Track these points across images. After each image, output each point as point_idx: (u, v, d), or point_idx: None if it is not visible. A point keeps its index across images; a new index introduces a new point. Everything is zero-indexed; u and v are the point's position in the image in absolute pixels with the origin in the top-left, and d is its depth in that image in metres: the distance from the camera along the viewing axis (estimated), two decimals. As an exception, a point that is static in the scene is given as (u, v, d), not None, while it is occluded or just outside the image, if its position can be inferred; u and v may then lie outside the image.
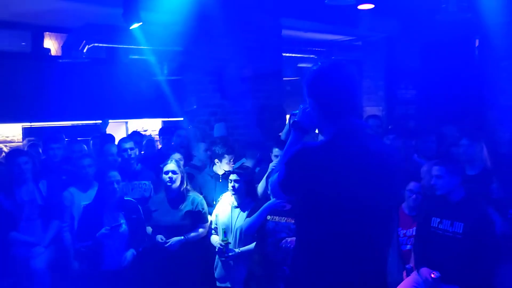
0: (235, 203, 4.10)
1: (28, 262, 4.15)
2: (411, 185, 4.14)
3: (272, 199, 3.63)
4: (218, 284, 4.11)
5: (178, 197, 4.17)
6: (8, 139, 7.42)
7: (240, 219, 4.02)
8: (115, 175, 4.01)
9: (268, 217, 3.67)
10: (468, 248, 3.44)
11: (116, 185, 3.98)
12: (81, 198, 4.36)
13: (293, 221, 3.55)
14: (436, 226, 3.65)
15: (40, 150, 5.55)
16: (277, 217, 3.65)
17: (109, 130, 7.13)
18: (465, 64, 7.72)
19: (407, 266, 3.96)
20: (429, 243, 3.67)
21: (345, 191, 1.79)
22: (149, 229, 4.20)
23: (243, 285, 3.84)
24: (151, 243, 4.14)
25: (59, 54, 7.45)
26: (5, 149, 6.95)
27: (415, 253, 3.85)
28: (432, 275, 3.52)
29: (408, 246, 4.10)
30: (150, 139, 6.49)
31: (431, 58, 8.25)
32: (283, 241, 3.51)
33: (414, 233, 4.02)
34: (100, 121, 6.49)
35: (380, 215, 1.83)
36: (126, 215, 4.00)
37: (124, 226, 3.93)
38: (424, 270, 3.64)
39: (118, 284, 3.92)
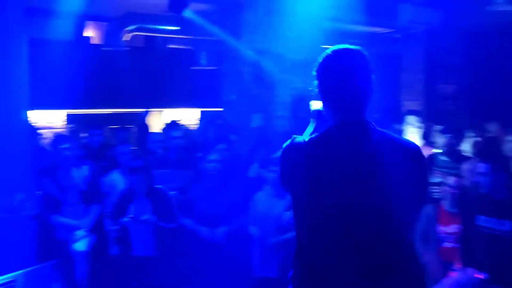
0: (273, 192, 4.10)
1: (70, 245, 4.26)
2: (450, 179, 4.04)
3: None
4: (255, 274, 4.12)
5: (220, 186, 4.22)
6: (52, 125, 7.63)
7: (277, 207, 4.01)
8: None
9: None
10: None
11: (145, 173, 4.04)
12: (122, 185, 4.43)
13: None
14: (482, 224, 3.55)
15: (82, 136, 5.67)
16: None
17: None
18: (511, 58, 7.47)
19: (454, 267, 3.87)
20: (474, 242, 3.57)
21: (329, 191, 1.67)
22: (188, 221, 4.22)
23: (280, 274, 3.85)
24: (186, 231, 4.18)
25: (100, 42, 7.59)
26: (48, 135, 7.13)
27: (460, 252, 3.75)
28: (479, 276, 3.43)
29: (449, 244, 4.00)
30: (186, 128, 6.54)
31: (474, 51, 8.01)
32: None
33: (455, 230, 3.93)
34: (140, 110, 6.60)
35: (377, 220, 1.66)
36: (154, 202, 4.05)
37: (147, 215, 3.99)
38: (469, 270, 3.54)
39: (148, 270, 4.01)
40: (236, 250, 4.18)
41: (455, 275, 3.72)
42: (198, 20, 5.76)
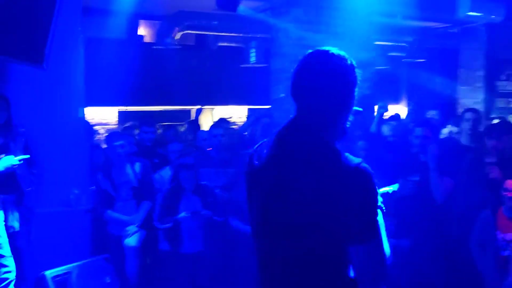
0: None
1: (121, 240, 4.36)
2: (508, 183, 3.80)
3: None
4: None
5: None
6: (104, 121, 7.87)
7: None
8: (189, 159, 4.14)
9: None
10: None
11: (191, 170, 4.09)
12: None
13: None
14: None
15: (135, 133, 5.79)
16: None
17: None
18: None
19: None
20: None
21: (261, 209, 1.61)
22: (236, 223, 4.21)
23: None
24: (231, 229, 4.19)
25: (152, 41, 7.74)
26: (102, 131, 7.37)
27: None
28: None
29: (508, 252, 3.78)
30: (232, 126, 6.55)
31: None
32: None
33: (516, 238, 3.71)
34: (191, 107, 6.68)
35: (305, 244, 1.53)
36: (202, 198, 4.11)
37: (200, 211, 4.04)
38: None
39: (198, 265, 4.06)
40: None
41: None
42: (251, 16, 5.75)
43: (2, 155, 3.65)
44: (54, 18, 4.24)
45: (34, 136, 3.98)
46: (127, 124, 5.90)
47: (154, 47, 7.12)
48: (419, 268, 4.05)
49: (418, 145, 4.22)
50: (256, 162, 1.64)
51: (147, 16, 7.75)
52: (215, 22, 6.61)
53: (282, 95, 5.71)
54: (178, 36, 6.78)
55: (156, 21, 7.62)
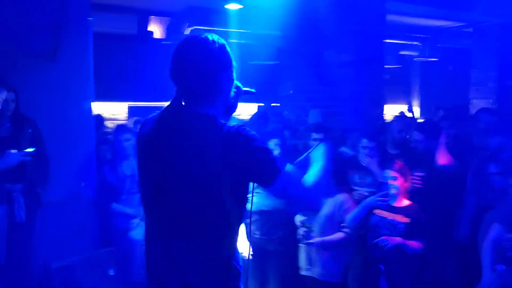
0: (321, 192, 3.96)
1: (126, 233, 4.37)
2: None
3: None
4: (300, 272, 3.99)
5: None
6: (114, 116, 7.90)
7: (326, 207, 3.87)
8: None
9: (376, 211, 3.60)
10: None
11: None
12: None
13: (401, 220, 3.45)
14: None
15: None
16: (385, 212, 3.55)
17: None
18: None
19: None
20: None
21: (153, 173, 1.76)
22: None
23: (334, 276, 3.73)
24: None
25: (163, 36, 7.75)
26: (111, 126, 7.38)
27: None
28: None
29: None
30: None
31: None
32: (380, 239, 3.40)
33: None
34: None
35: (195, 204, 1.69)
36: None
37: None
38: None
39: None
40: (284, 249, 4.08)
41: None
42: (245, 17, 5.72)
43: (14, 150, 3.63)
44: (65, 13, 4.28)
45: (42, 127, 3.99)
46: (135, 119, 5.91)
47: (164, 42, 7.13)
48: (430, 270, 3.98)
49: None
50: (146, 135, 1.79)
51: (157, 12, 7.76)
52: (224, 18, 6.59)
53: (291, 91, 5.69)
54: (187, 31, 6.78)
55: (166, 17, 7.63)
